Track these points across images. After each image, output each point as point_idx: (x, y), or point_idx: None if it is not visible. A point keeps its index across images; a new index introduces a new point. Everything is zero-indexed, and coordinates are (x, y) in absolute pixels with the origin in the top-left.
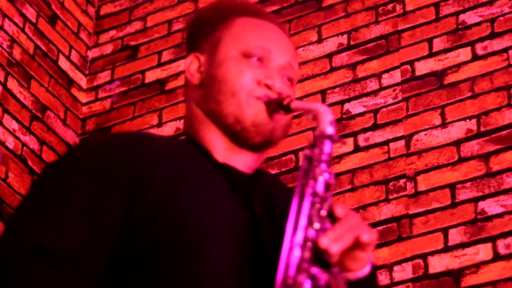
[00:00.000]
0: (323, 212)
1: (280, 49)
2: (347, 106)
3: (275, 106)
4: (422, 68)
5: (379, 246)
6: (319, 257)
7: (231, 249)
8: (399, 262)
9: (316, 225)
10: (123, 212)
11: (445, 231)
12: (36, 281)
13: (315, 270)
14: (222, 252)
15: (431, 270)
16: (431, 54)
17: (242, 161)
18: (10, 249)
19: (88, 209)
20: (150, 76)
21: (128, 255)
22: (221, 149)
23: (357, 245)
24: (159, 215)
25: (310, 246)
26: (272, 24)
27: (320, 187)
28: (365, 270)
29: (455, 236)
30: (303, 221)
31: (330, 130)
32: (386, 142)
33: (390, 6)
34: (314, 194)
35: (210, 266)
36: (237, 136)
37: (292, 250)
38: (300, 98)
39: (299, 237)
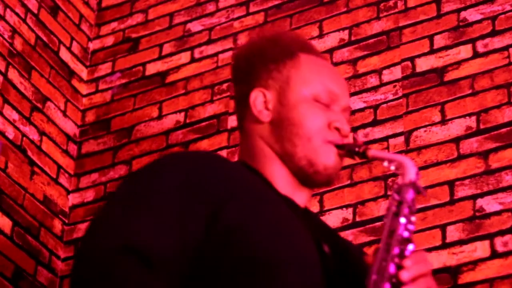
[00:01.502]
0: (407, 252)
1: (343, 92)
2: None
3: (350, 152)
4: (422, 64)
5: (376, 242)
6: None
7: (306, 274)
8: None
9: (397, 261)
10: (205, 222)
11: (443, 228)
12: (130, 279)
13: None
14: (296, 278)
15: None
16: (432, 51)
17: (300, 196)
18: (101, 247)
19: (178, 215)
20: (151, 69)
21: (204, 268)
22: (283, 183)
23: None
24: (240, 232)
25: (393, 280)
26: (332, 66)
27: (402, 230)
28: None
29: (453, 233)
30: (389, 258)
31: (419, 181)
32: (386, 138)
33: (391, 2)
34: (399, 236)
35: None
36: (308, 177)
37: (378, 282)
38: None
39: (386, 271)
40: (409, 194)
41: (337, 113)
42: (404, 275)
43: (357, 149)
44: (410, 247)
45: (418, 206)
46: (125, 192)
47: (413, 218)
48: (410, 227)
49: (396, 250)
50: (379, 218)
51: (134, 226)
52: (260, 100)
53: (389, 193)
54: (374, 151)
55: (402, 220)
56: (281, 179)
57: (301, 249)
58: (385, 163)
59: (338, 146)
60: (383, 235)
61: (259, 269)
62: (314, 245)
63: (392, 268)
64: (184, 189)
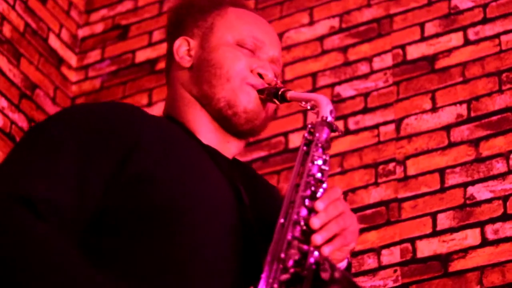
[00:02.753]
0: (318, 193)
1: (272, 42)
2: (337, 89)
3: (270, 94)
4: (413, 52)
5: (367, 229)
6: (307, 236)
7: (217, 221)
8: (387, 246)
9: (307, 202)
10: (110, 171)
11: (433, 215)
12: (18, 230)
13: (306, 247)
14: (208, 223)
15: (419, 254)
16: (423, 39)
17: (225, 146)
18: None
19: (77, 165)
20: (141, 56)
21: (113, 215)
22: (206, 132)
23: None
24: (148, 179)
25: (302, 224)
26: (262, 18)
27: (316, 170)
28: (342, 264)
29: (443, 221)
30: (298, 200)
31: (330, 118)
32: (376, 126)
33: None
34: (309, 175)
35: (195, 236)
36: (227, 120)
37: (286, 226)
38: (291, 81)
39: (293, 214)
40: (322, 133)
41: (262, 60)
42: (315, 223)
43: (276, 91)
44: (323, 186)
45: (409, 194)
46: (27, 142)
47: (325, 157)
48: (324, 167)
49: (306, 192)
50: (369, 206)
51: (30, 176)
52: (184, 48)
53: (373, 179)
54: (292, 92)
55: (314, 159)
56: (204, 128)
57: (212, 196)
58: (303, 103)
59: (259, 91)
60: (292, 175)
61: (167, 216)
62: (230, 192)
63: (303, 211)
64: (86, 136)
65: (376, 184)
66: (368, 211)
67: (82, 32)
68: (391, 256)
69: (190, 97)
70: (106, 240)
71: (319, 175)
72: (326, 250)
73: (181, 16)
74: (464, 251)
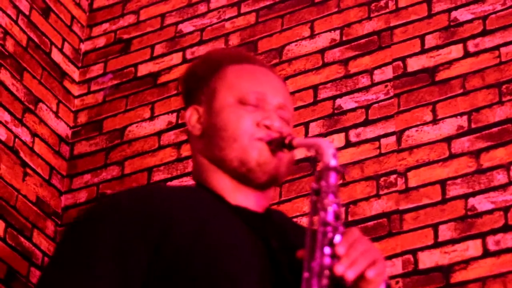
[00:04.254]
0: (337, 240)
1: (274, 90)
2: (338, 101)
3: (278, 145)
4: (414, 64)
5: None
6: (336, 283)
7: (255, 282)
8: (389, 258)
9: (328, 251)
10: (147, 262)
11: (435, 227)
12: None
13: None
14: (244, 285)
15: (421, 266)
16: (423, 51)
17: (252, 200)
18: None
19: (113, 264)
20: (143, 70)
21: None
22: (231, 192)
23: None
24: (185, 259)
25: (327, 274)
26: (263, 67)
27: (330, 217)
28: None
29: (445, 232)
30: (318, 250)
31: (334, 162)
32: (377, 138)
33: (382, 2)
34: (325, 224)
35: None
36: (244, 177)
37: (310, 279)
38: (292, 93)
39: (316, 266)
40: (329, 178)
41: (268, 112)
42: (338, 269)
43: (283, 140)
44: (340, 231)
45: (410, 206)
46: (62, 248)
47: (337, 201)
48: (338, 211)
49: (324, 241)
50: (371, 218)
51: (69, 284)
52: (194, 117)
53: (374, 191)
54: (298, 139)
55: (326, 207)
56: (229, 189)
57: (247, 258)
58: (308, 149)
59: (268, 143)
60: (308, 228)
61: (205, 285)
62: (262, 249)
63: (324, 261)
64: (117, 233)
65: (378, 196)
66: (370, 223)
67: (84, 46)
68: (393, 267)
69: (208, 163)
70: None
71: (333, 220)
72: (350, 274)
73: (189, 86)
74: (466, 263)
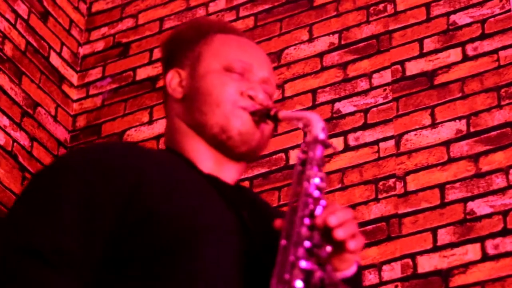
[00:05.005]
0: (318, 211)
1: (261, 64)
2: (337, 105)
3: (262, 116)
4: (412, 68)
5: (368, 245)
6: (312, 255)
7: (224, 250)
8: (388, 262)
9: (307, 222)
10: (114, 215)
11: (434, 231)
12: (31, 280)
13: (310, 265)
14: (215, 252)
15: (420, 270)
16: (422, 55)
17: (226, 172)
18: (4, 249)
19: (80, 211)
20: (141, 74)
21: (122, 257)
22: (205, 160)
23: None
24: (153, 216)
25: (305, 245)
26: (250, 41)
27: (312, 189)
28: (352, 269)
29: (444, 236)
30: (297, 220)
31: (322, 136)
32: (376, 142)
33: (381, 6)
34: (307, 195)
35: (204, 266)
36: (223, 145)
37: (288, 247)
38: (290, 97)
39: (294, 235)
40: (316, 151)
41: (253, 82)
42: (331, 220)
43: (268, 112)
44: (321, 205)
45: (409, 210)
46: (29, 193)
47: (321, 175)
48: (321, 185)
49: (305, 211)
50: (370, 222)
51: (36, 226)
52: (175, 80)
53: (373, 195)
54: (284, 112)
55: (310, 178)
56: (203, 156)
57: (217, 225)
58: (295, 122)
59: (251, 113)
60: (290, 197)
61: (174, 251)
62: (234, 219)
63: (303, 231)
64: (87, 183)
65: (377, 200)
66: (369, 227)
67: (83, 50)
68: (392, 271)
69: (185, 127)
70: (118, 283)
71: (316, 193)
72: (340, 233)
73: (171, 50)
74: (465, 266)
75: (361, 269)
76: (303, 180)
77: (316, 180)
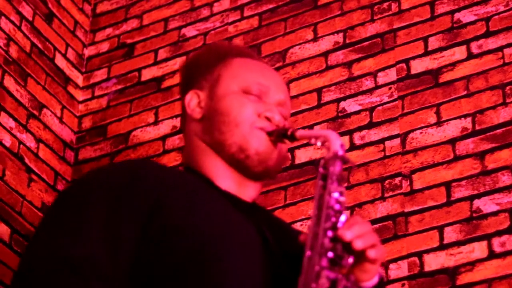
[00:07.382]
0: (339, 224)
1: (277, 87)
2: (342, 104)
3: (279, 136)
4: (417, 66)
5: None
6: (336, 265)
7: (248, 262)
8: (394, 260)
9: (330, 234)
10: (138, 229)
11: (440, 229)
12: None
13: (334, 275)
14: (238, 264)
15: (427, 268)
16: (427, 53)
17: (244, 190)
18: (42, 263)
19: (108, 225)
20: (147, 74)
21: (146, 269)
22: (223, 178)
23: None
24: (174, 230)
25: (328, 255)
26: (266, 65)
27: (333, 202)
28: (374, 280)
29: (450, 234)
30: (320, 232)
31: (341, 152)
32: (382, 141)
33: (385, 5)
34: (329, 208)
35: (227, 279)
36: (241, 164)
37: (312, 258)
38: (296, 97)
39: (318, 246)
40: (336, 166)
41: (269, 105)
42: (346, 234)
43: (285, 131)
44: (342, 218)
45: (415, 208)
46: (56, 210)
47: (341, 189)
48: (341, 199)
49: (327, 224)
50: (376, 220)
51: (68, 239)
52: (194, 101)
53: (379, 193)
54: (301, 131)
55: (331, 192)
56: (221, 175)
57: (239, 238)
58: (313, 141)
59: (268, 133)
60: (313, 210)
61: (197, 264)
62: (255, 232)
63: (326, 242)
64: (112, 198)
65: (383, 198)
66: (375, 226)
67: (88, 51)
68: (399, 270)
69: (204, 146)
70: None
71: (337, 206)
72: (358, 244)
73: (190, 72)
74: (472, 264)
75: (383, 280)
76: (324, 194)
77: (336, 195)
